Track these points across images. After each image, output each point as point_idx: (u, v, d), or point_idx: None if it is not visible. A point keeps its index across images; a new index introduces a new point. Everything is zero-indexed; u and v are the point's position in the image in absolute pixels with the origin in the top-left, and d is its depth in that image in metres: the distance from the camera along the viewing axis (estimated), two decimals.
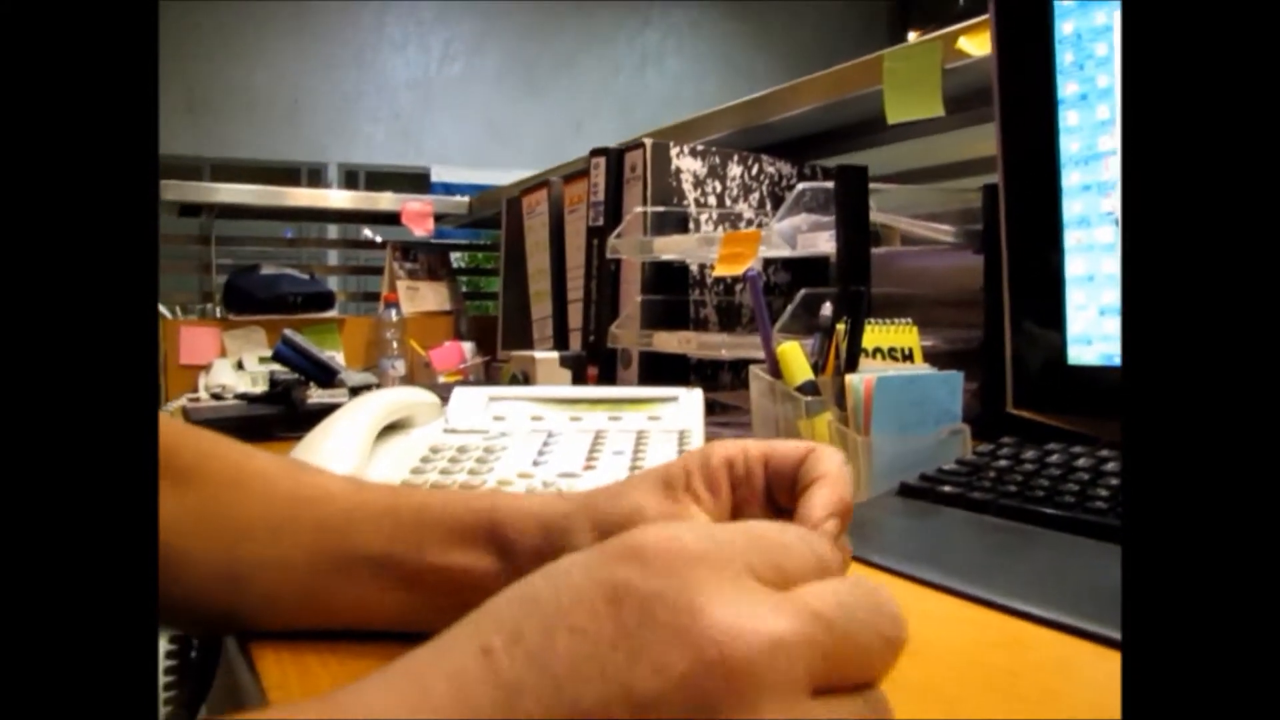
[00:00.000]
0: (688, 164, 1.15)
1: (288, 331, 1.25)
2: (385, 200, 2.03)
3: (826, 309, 0.71)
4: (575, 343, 1.30)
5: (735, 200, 1.18)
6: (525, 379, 1.06)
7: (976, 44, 0.86)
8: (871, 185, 0.86)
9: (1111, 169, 0.64)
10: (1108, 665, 0.36)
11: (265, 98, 6.26)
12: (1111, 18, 0.63)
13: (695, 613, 0.22)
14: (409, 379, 1.66)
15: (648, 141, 1.14)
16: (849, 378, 0.64)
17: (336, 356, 1.62)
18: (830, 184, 0.86)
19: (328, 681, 0.36)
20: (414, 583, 0.38)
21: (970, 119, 1.01)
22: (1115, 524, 0.47)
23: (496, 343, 1.66)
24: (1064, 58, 0.66)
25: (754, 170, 1.21)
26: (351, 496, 0.40)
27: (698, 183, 1.16)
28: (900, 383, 0.64)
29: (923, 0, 6.96)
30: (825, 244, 0.84)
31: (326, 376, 1.23)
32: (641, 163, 1.14)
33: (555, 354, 1.09)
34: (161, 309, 1.91)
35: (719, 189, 1.17)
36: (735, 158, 1.19)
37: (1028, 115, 0.69)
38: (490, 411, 0.73)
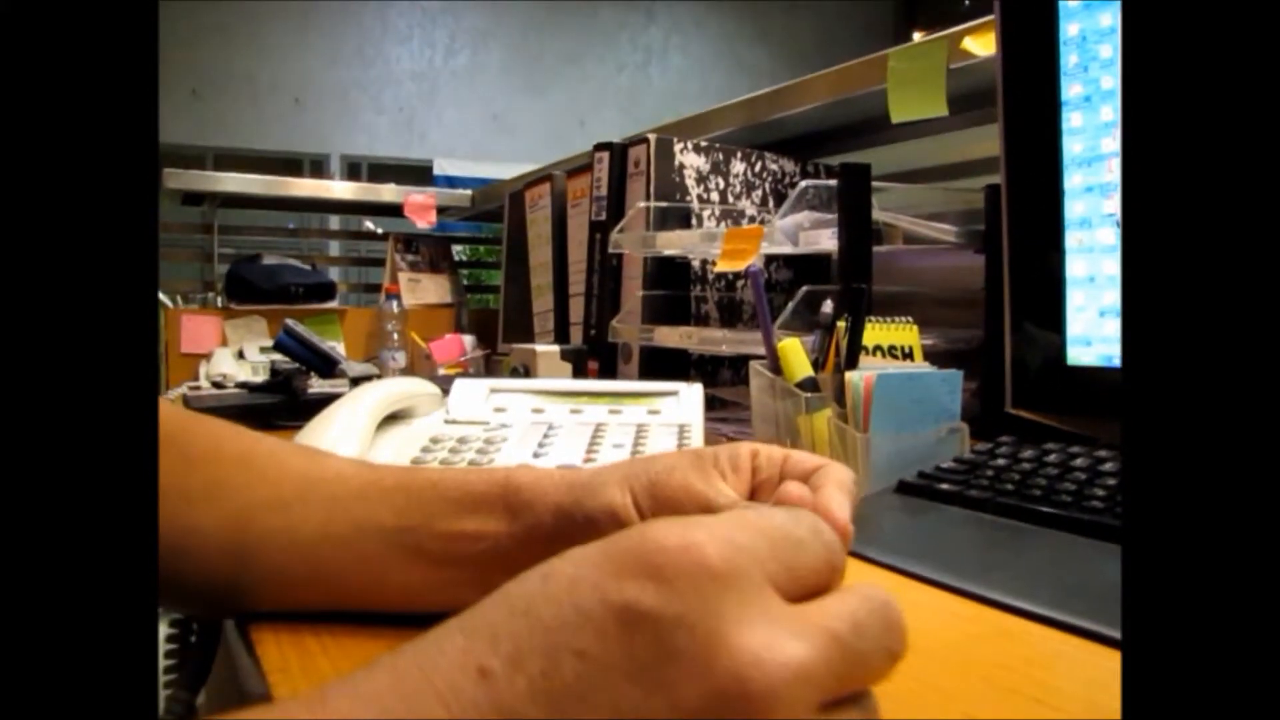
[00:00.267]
0: (691, 160, 1.15)
1: (289, 321, 1.25)
2: (388, 192, 2.03)
3: (827, 306, 0.71)
4: (576, 337, 1.31)
5: (738, 197, 1.19)
6: (526, 372, 1.06)
7: (981, 44, 0.87)
8: (874, 184, 0.86)
9: (1114, 171, 0.64)
10: (1100, 660, 0.36)
11: (269, 87, 6.26)
12: (1116, 20, 0.63)
13: (717, 642, 0.21)
14: (409, 371, 1.66)
15: (651, 137, 1.14)
16: (849, 375, 0.64)
17: (337, 347, 1.62)
18: (833, 182, 0.86)
19: (327, 664, 0.37)
20: (424, 553, 0.37)
21: (974, 119, 1.01)
22: (1111, 523, 0.47)
23: (497, 336, 1.67)
24: (1068, 59, 0.66)
25: (757, 167, 1.21)
26: (363, 474, 0.41)
27: (701, 179, 1.16)
28: (900, 380, 0.64)
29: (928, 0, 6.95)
30: (827, 241, 0.84)
31: (327, 367, 1.23)
32: (645, 158, 1.14)
33: (556, 347, 1.09)
34: (163, 297, 1.92)
35: (722, 185, 1.17)
36: (738, 154, 1.19)
37: (1031, 116, 0.69)
38: (491, 403, 0.73)
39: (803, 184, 0.89)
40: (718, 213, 1.16)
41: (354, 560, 0.38)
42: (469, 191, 2.07)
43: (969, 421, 0.67)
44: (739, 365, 1.11)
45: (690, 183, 1.15)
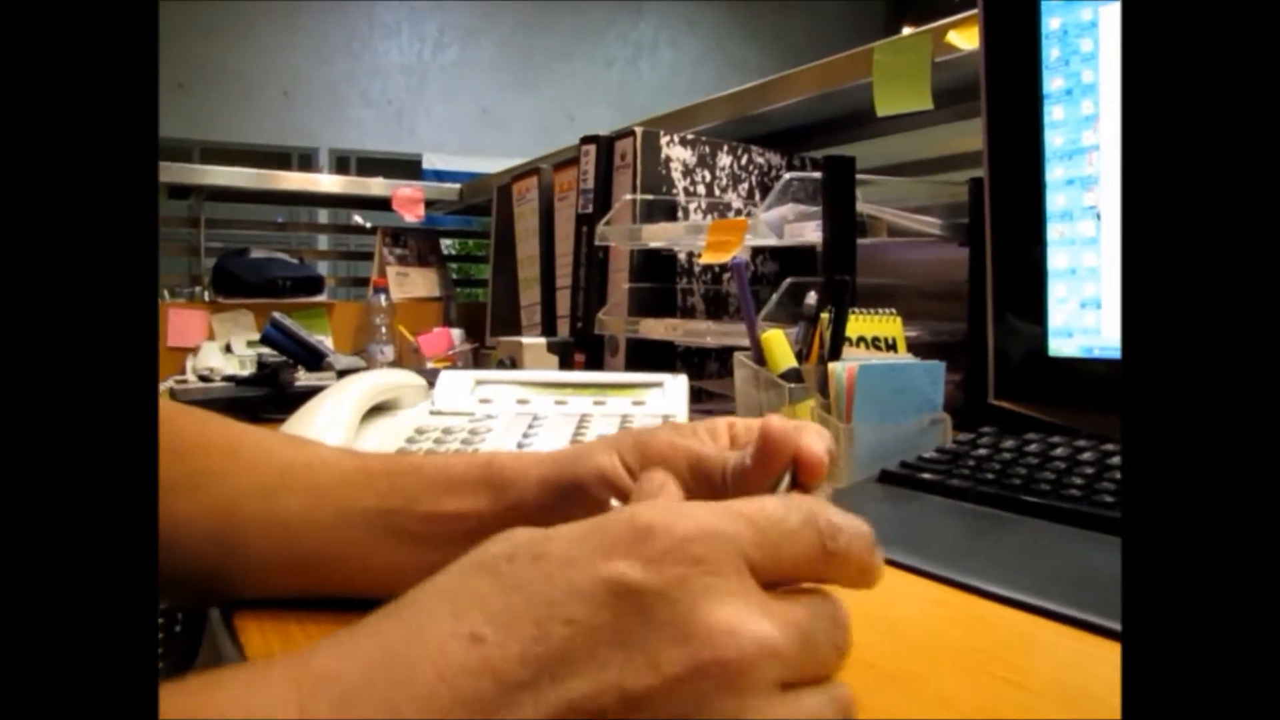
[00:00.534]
0: (677, 153, 1.16)
1: (276, 314, 1.25)
2: (376, 186, 2.02)
3: (811, 298, 0.71)
4: (564, 329, 1.31)
5: (724, 190, 1.19)
6: (513, 364, 1.06)
7: (966, 38, 0.87)
8: (860, 177, 0.86)
9: (1094, 164, 0.65)
10: (1074, 644, 0.36)
11: (257, 80, 6.23)
12: (1097, 14, 0.63)
13: (694, 615, 0.23)
14: (397, 364, 1.66)
15: (638, 130, 1.14)
16: (832, 365, 0.64)
17: (325, 341, 1.62)
18: (818, 174, 0.87)
19: None
20: (408, 534, 0.38)
21: (959, 113, 1.02)
22: (1089, 511, 0.48)
23: (485, 329, 1.67)
24: (1050, 53, 0.66)
25: (743, 160, 1.21)
26: (348, 461, 0.41)
27: (687, 172, 1.16)
28: (882, 371, 0.65)
29: None
30: (812, 234, 0.85)
31: (315, 360, 1.23)
32: (631, 151, 1.14)
33: (543, 340, 1.09)
34: None
35: (708, 178, 1.18)
36: (725, 147, 1.20)
37: (1014, 109, 0.69)
38: (476, 394, 0.74)
39: (787, 176, 0.90)
40: (704, 205, 1.16)
41: (338, 544, 0.38)
42: (457, 185, 2.07)
43: (953, 413, 0.67)
44: (725, 357, 1.12)
45: (677, 176, 1.15)
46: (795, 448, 0.32)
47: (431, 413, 0.71)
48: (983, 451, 0.59)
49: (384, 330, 1.71)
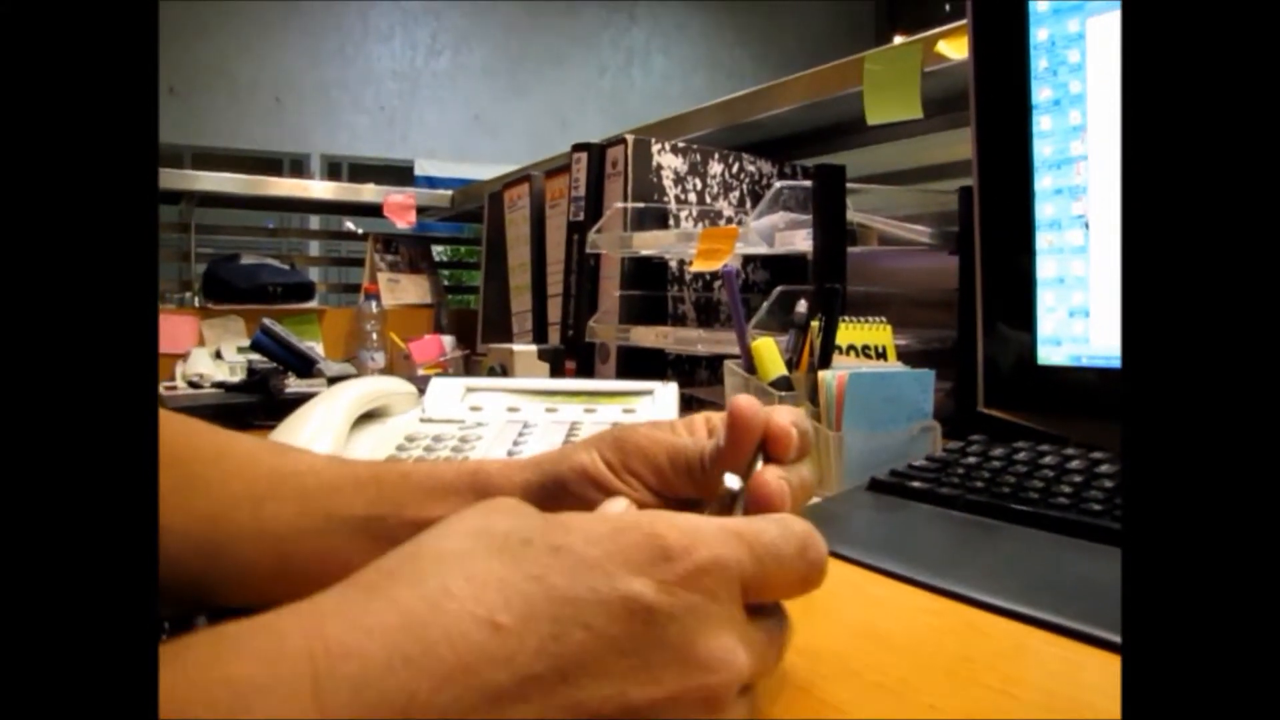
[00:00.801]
0: (669, 161, 1.16)
1: (266, 321, 1.24)
2: (368, 192, 2.02)
3: (802, 306, 0.72)
4: (554, 337, 1.31)
5: (715, 198, 1.19)
6: (504, 371, 1.06)
7: (955, 48, 0.88)
8: (850, 185, 0.87)
9: (1083, 173, 0.65)
10: (1063, 653, 0.37)
11: (248, 85, 6.22)
12: (1084, 25, 0.64)
13: (695, 639, 0.25)
14: (388, 371, 1.66)
15: (629, 137, 1.14)
16: (822, 374, 0.65)
17: (316, 347, 1.61)
18: (808, 183, 0.87)
19: None
20: (395, 542, 0.37)
21: (949, 122, 1.02)
22: (1078, 519, 0.48)
23: (477, 336, 1.67)
24: (1038, 63, 0.67)
25: (734, 168, 1.21)
26: (335, 468, 0.41)
27: (678, 179, 1.16)
28: (872, 379, 0.65)
29: (911, 3, 7.00)
30: (802, 242, 0.85)
31: (305, 366, 1.22)
32: (623, 158, 1.14)
33: (534, 347, 1.09)
34: None
35: (699, 186, 1.18)
36: (716, 155, 1.20)
37: (1003, 119, 0.70)
38: (467, 402, 0.73)
39: (777, 185, 0.90)
40: (695, 213, 1.16)
41: (325, 551, 0.38)
42: (449, 192, 2.07)
43: (943, 421, 0.67)
44: (715, 365, 1.12)
45: (668, 183, 1.15)
46: (764, 424, 0.34)
47: (422, 420, 0.71)
48: (972, 460, 0.59)
49: (375, 337, 1.71)
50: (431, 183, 5.72)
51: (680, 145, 1.17)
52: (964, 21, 0.75)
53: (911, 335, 0.86)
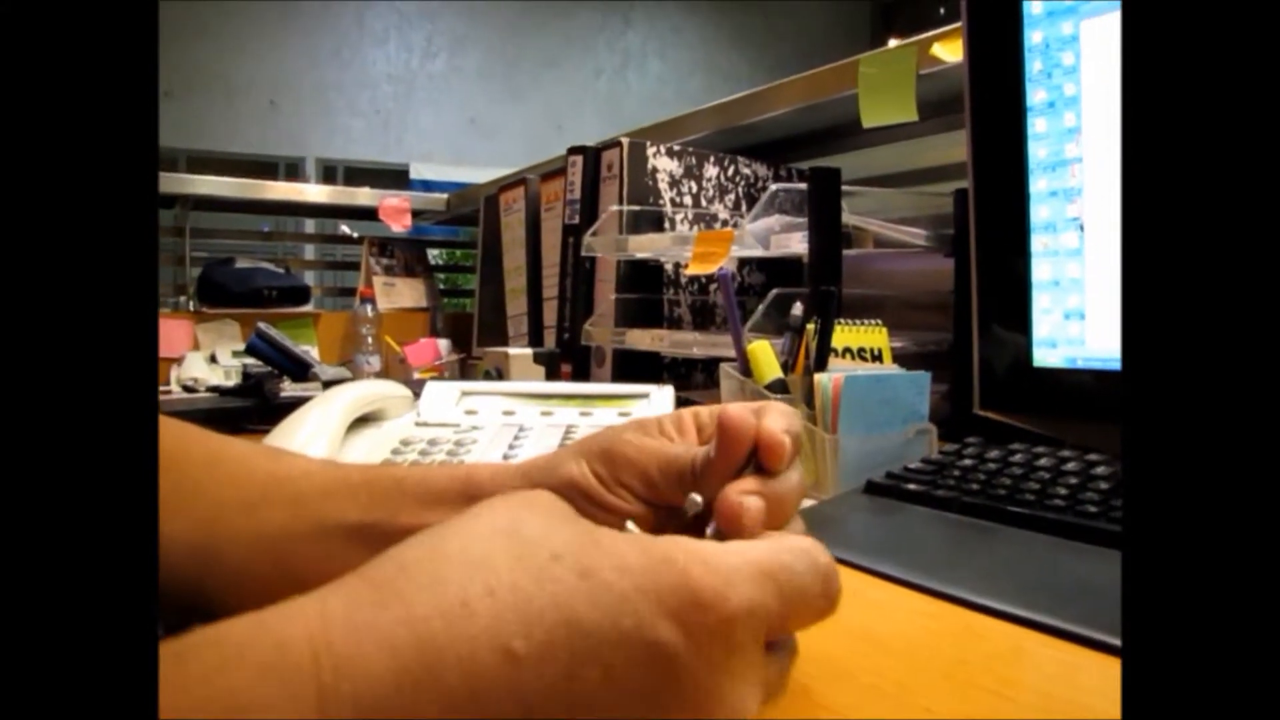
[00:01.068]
0: (664, 164, 1.16)
1: (261, 325, 1.24)
2: (363, 195, 2.02)
3: (797, 309, 0.72)
4: (550, 340, 1.31)
5: (711, 201, 1.19)
6: (499, 375, 1.06)
7: (950, 50, 0.88)
8: (846, 188, 0.87)
9: (1077, 176, 0.65)
10: (1060, 655, 0.37)
11: (244, 88, 6.21)
12: (1078, 28, 0.64)
13: (713, 690, 0.25)
14: (384, 375, 1.65)
15: (625, 140, 1.14)
16: (818, 376, 0.65)
17: (311, 351, 1.61)
18: (803, 186, 0.87)
19: None
20: (388, 547, 0.38)
21: (944, 125, 1.02)
22: (1074, 521, 0.48)
23: (472, 340, 1.66)
24: (1033, 66, 0.67)
25: (730, 171, 1.21)
26: (329, 473, 0.40)
27: (674, 182, 1.16)
28: (868, 382, 0.65)
29: (906, 6, 7.01)
30: (798, 245, 0.85)
31: (300, 370, 1.22)
32: (618, 162, 1.14)
33: (529, 350, 1.09)
34: None
35: (695, 189, 1.18)
36: (711, 159, 1.20)
37: (997, 122, 0.70)
38: (462, 406, 0.73)
39: (773, 188, 0.90)
40: (690, 216, 1.16)
41: (318, 557, 0.38)
42: (444, 195, 2.07)
43: (940, 423, 0.67)
44: (711, 368, 1.12)
45: (663, 186, 1.15)
46: (755, 434, 0.33)
47: (417, 424, 0.71)
48: (968, 462, 0.59)
49: (370, 340, 1.71)
50: (427, 186, 5.72)
51: (676, 148, 1.17)
52: (959, 24, 0.75)
53: (907, 338, 0.86)
